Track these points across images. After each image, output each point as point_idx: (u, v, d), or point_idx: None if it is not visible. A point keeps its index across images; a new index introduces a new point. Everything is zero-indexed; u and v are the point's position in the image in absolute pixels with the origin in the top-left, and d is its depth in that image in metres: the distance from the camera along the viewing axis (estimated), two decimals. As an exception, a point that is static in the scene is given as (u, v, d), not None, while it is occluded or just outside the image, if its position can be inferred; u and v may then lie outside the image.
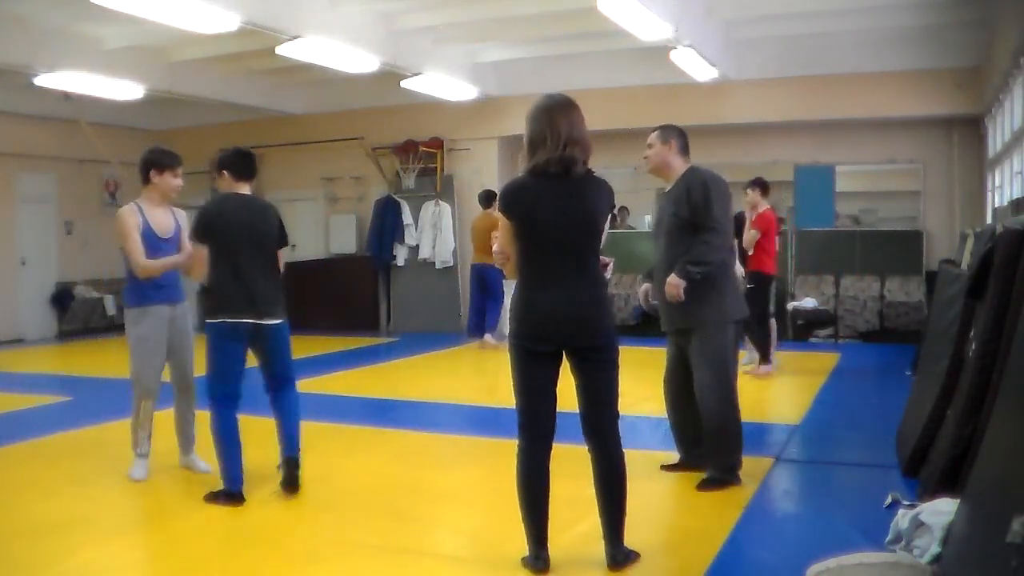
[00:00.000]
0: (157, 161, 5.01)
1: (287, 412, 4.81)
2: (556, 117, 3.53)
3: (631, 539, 3.66)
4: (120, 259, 5.11)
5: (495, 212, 11.60)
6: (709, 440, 4.75)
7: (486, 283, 10.89)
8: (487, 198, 10.88)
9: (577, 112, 3.57)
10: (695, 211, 4.65)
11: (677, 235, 4.72)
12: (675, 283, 4.62)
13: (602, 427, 3.62)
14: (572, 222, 3.53)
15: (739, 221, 8.29)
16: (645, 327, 10.90)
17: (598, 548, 3.65)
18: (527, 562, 3.59)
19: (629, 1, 7.49)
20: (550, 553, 3.58)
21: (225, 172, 4.77)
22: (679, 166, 4.82)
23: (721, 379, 4.71)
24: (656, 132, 4.91)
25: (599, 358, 3.59)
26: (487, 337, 10.95)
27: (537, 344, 3.55)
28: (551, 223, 3.51)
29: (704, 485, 4.69)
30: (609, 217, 3.71)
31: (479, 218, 11.11)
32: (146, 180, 5.01)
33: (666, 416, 5.11)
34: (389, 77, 10.47)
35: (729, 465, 4.73)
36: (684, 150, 4.83)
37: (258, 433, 6.36)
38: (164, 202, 5.07)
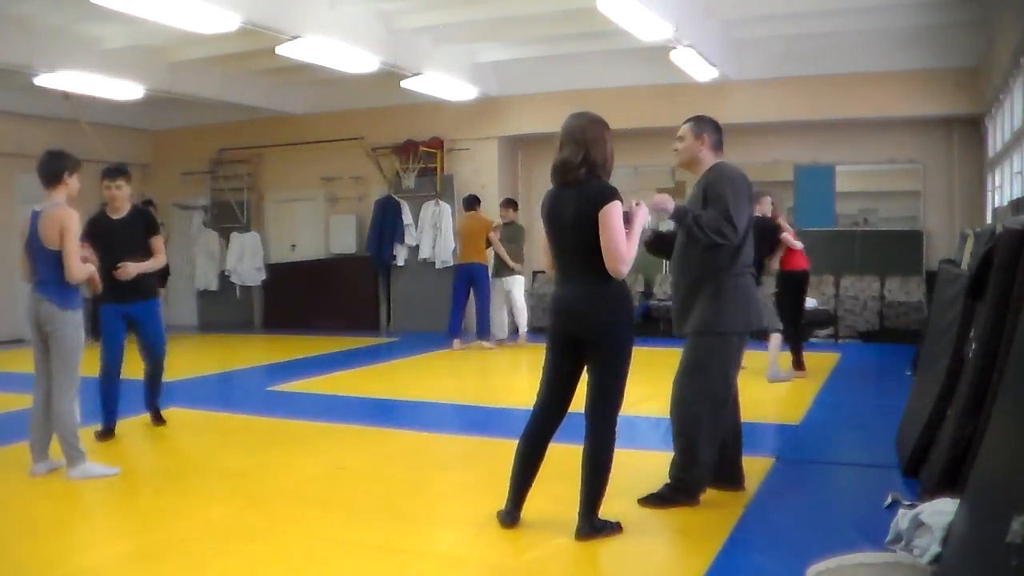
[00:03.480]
0: (71, 164, 5.10)
1: None
2: (564, 130, 3.91)
3: (632, 538, 3.72)
4: (44, 257, 5.02)
5: (482, 213, 11.90)
6: (675, 453, 4.38)
7: (475, 283, 10.94)
8: (471, 202, 11.18)
9: (593, 126, 3.88)
10: (714, 205, 4.26)
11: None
12: (663, 199, 4.29)
13: (588, 416, 3.93)
14: (566, 224, 3.89)
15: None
16: (646, 326, 10.92)
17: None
18: (499, 515, 4.06)
19: (629, 1, 7.49)
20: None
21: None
22: (709, 161, 4.48)
23: (707, 393, 4.31)
24: (689, 123, 4.53)
25: (592, 352, 3.90)
26: (480, 341, 10.94)
27: (551, 335, 4.04)
28: (554, 226, 3.95)
29: (648, 500, 4.34)
30: (609, 215, 3.74)
31: (466, 219, 11.16)
32: (59, 182, 5.03)
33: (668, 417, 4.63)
34: (389, 77, 10.48)
35: (684, 484, 4.34)
36: (717, 145, 4.49)
37: (258, 432, 6.37)
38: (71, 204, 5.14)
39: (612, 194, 3.79)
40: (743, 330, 4.41)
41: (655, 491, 4.36)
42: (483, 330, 11.04)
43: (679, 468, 4.35)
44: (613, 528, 3.93)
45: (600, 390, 3.90)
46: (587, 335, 3.87)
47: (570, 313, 3.92)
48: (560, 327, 3.97)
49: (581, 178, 3.85)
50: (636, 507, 4.30)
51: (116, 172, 6.03)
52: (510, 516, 4.04)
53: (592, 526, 3.87)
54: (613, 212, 3.76)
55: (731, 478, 4.61)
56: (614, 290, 3.87)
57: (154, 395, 6.45)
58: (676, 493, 4.33)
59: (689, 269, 4.42)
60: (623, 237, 3.77)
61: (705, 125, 4.50)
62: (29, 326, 5.14)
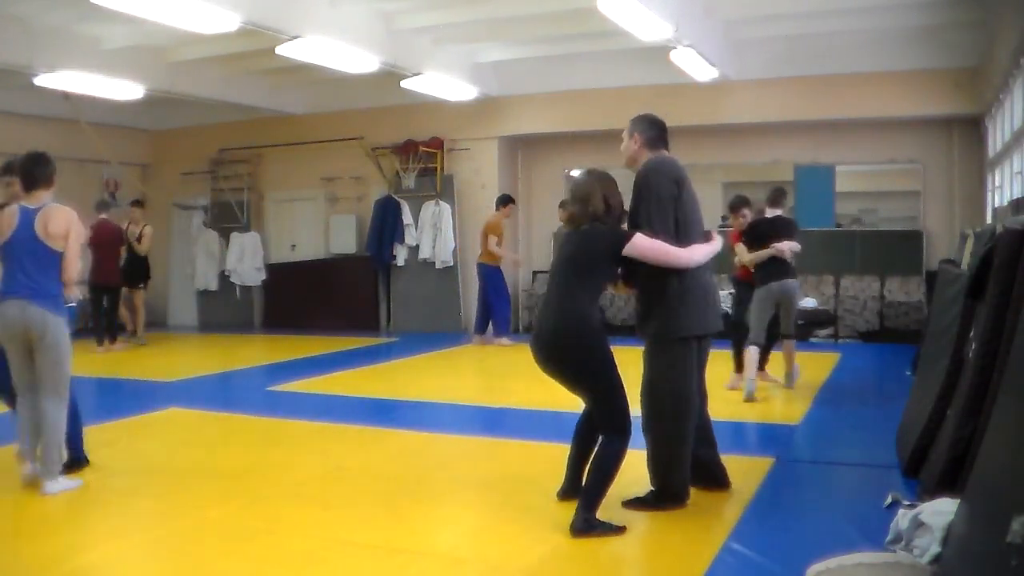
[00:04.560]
0: (54, 166, 4.89)
1: None
2: (572, 186, 4.32)
3: (632, 538, 3.73)
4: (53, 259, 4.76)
5: (503, 214, 12.08)
6: (650, 462, 4.36)
7: (483, 282, 11.23)
8: (497, 202, 11.39)
9: (596, 184, 4.16)
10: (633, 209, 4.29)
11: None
12: None
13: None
14: (560, 261, 4.20)
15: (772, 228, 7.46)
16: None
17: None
18: (557, 492, 4.42)
19: (629, 1, 7.49)
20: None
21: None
22: (644, 160, 4.40)
23: (675, 398, 4.30)
24: (629, 123, 4.50)
25: (562, 378, 4.16)
26: (502, 339, 11.10)
27: None
28: (554, 261, 4.29)
29: (632, 504, 4.32)
30: (636, 246, 4.07)
31: (488, 219, 11.45)
32: (50, 184, 4.84)
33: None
34: (389, 77, 10.48)
35: (669, 491, 4.33)
36: (651, 143, 4.38)
37: (258, 432, 6.37)
38: None
39: (624, 234, 4.12)
40: (701, 334, 4.35)
41: (640, 495, 4.34)
42: (503, 329, 11.21)
43: (662, 478, 4.32)
44: (613, 529, 3.92)
45: (594, 410, 4.17)
46: (554, 361, 4.14)
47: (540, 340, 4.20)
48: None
49: (587, 224, 4.15)
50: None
51: (8, 169, 5.24)
52: (562, 489, 4.39)
53: (586, 521, 3.88)
54: (639, 241, 4.08)
55: (714, 478, 4.58)
56: (574, 319, 4.05)
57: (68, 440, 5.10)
58: (661, 500, 4.30)
59: (646, 273, 4.24)
60: (662, 247, 4.10)
61: (638, 123, 4.46)
62: (9, 334, 4.76)
